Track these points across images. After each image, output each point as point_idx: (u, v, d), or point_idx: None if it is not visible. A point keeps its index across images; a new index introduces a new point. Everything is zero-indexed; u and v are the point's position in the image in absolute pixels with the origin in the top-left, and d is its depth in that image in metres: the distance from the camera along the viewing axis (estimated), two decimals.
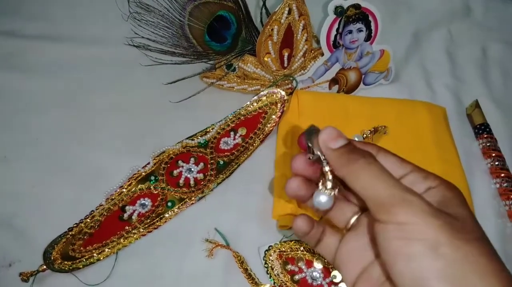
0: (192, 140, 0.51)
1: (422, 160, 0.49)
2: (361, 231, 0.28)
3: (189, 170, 0.49)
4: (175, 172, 0.49)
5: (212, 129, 0.52)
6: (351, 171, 0.25)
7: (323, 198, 0.27)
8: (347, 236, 0.29)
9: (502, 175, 0.51)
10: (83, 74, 0.59)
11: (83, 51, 0.61)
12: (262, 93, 0.54)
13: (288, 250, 0.44)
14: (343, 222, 0.30)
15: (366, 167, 0.24)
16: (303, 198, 0.29)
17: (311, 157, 0.28)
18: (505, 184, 0.50)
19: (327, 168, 0.27)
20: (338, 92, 0.57)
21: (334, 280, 0.42)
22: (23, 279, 0.40)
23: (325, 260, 0.43)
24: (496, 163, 0.52)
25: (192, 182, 0.48)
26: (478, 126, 0.56)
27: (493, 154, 0.53)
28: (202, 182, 0.48)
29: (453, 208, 0.24)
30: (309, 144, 0.28)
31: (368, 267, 0.27)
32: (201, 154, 0.50)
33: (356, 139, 0.50)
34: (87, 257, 0.42)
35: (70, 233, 0.44)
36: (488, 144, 0.54)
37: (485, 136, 0.54)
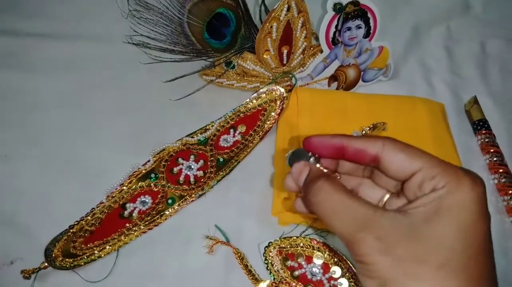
0: (192, 137, 0.52)
1: None
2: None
3: (189, 167, 0.49)
4: (175, 169, 0.49)
5: (212, 126, 0.53)
6: (314, 207, 0.26)
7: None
8: None
9: (501, 170, 0.51)
10: (83, 72, 0.59)
11: (83, 50, 0.62)
12: (261, 90, 0.54)
13: (288, 246, 0.44)
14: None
15: (326, 201, 0.25)
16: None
17: None
18: (503, 180, 0.51)
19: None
20: (337, 89, 0.57)
21: (333, 276, 0.42)
22: (25, 276, 0.40)
23: (325, 256, 0.43)
24: (495, 159, 0.52)
25: (192, 179, 0.48)
26: (476, 122, 0.56)
27: (492, 150, 0.53)
28: (202, 179, 0.49)
29: (445, 219, 0.22)
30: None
31: None
32: (201, 152, 0.51)
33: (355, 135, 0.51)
34: (88, 254, 0.43)
35: (71, 230, 0.44)
36: (486, 140, 0.54)
37: (483, 132, 0.55)
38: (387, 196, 0.29)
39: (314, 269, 0.43)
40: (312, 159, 0.29)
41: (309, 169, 0.28)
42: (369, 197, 0.29)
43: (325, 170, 0.29)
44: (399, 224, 0.23)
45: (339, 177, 0.32)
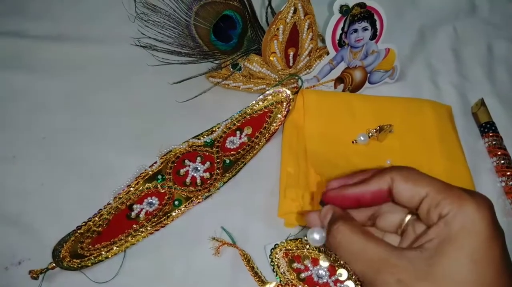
0: (198, 139, 0.52)
1: (427, 158, 0.50)
2: (411, 235, 0.28)
3: (196, 169, 0.49)
4: (182, 171, 0.49)
5: (218, 128, 0.53)
6: (334, 248, 0.27)
7: (317, 235, 0.29)
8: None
9: (508, 173, 0.51)
10: (89, 74, 0.59)
11: (89, 51, 0.62)
12: (267, 92, 0.54)
13: (294, 248, 0.44)
14: (392, 228, 0.30)
15: (344, 243, 0.26)
16: None
17: None
18: (510, 183, 0.50)
19: None
20: (343, 91, 0.57)
21: (340, 278, 0.42)
22: (32, 276, 0.41)
23: (331, 258, 0.43)
24: (502, 161, 0.52)
25: (198, 181, 0.49)
26: (483, 124, 0.56)
27: (499, 153, 0.53)
28: (209, 181, 0.49)
29: (456, 249, 0.22)
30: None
31: None
32: (207, 153, 0.51)
33: (362, 138, 0.51)
34: (95, 255, 0.43)
35: (78, 231, 0.44)
36: (493, 143, 0.54)
37: (490, 134, 0.54)
38: (408, 217, 0.29)
39: (321, 272, 0.43)
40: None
41: (332, 211, 0.29)
42: (390, 222, 0.30)
43: (346, 212, 0.29)
44: (417, 263, 0.23)
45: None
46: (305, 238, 0.30)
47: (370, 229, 0.31)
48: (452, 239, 0.23)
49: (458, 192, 0.24)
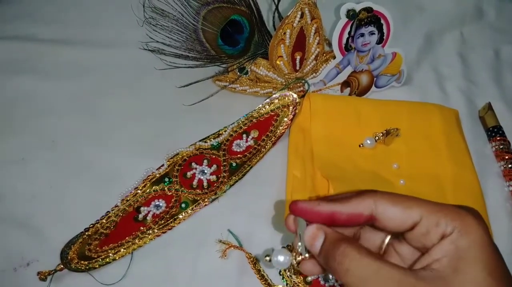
0: (205, 142, 0.52)
1: (434, 162, 0.50)
2: (394, 255, 0.28)
3: (202, 172, 0.50)
4: (189, 174, 0.49)
5: (225, 131, 0.53)
6: (340, 275, 0.24)
7: (281, 257, 0.27)
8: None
9: None
10: (97, 78, 0.60)
11: (98, 55, 0.63)
12: (274, 96, 0.54)
13: None
14: (374, 247, 0.29)
15: (354, 269, 0.24)
16: None
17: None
18: None
19: (300, 249, 0.27)
20: (350, 94, 0.57)
21: None
22: (41, 278, 0.41)
23: None
24: (509, 165, 0.52)
25: (205, 183, 0.49)
26: (491, 128, 0.55)
27: (506, 157, 0.52)
28: (215, 184, 0.49)
29: (472, 264, 0.22)
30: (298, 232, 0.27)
31: None
32: (214, 156, 0.51)
33: (369, 141, 0.51)
34: (103, 257, 0.43)
35: (86, 233, 0.44)
36: (501, 147, 0.53)
37: (498, 138, 0.54)
38: (387, 239, 0.28)
39: (328, 275, 0.43)
40: (295, 258, 0.27)
41: (324, 233, 0.26)
42: (371, 241, 0.29)
43: (341, 233, 0.27)
44: (434, 284, 0.23)
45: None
46: (267, 258, 0.28)
47: None
48: (464, 256, 0.22)
49: (453, 209, 0.24)
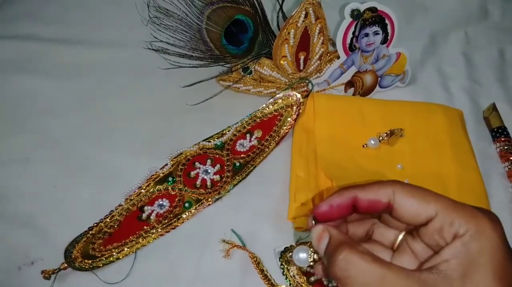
0: (209, 142, 0.52)
1: (438, 163, 0.50)
2: (407, 251, 0.27)
3: (206, 171, 0.50)
4: (192, 173, 0.49)
5: (228, 131, 0.53)
6: (342, 282, 0.24)
7: (303, 255, 0.28)
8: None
9: None
10: (101, 77, 0.60)
11: (101, 55, 0.63)
12: (278, 95, 0.54)
13: None
14: (388, 242, 0.29)
15: (357, 275, 0.23)
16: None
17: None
18: None
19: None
20: (353, 95, 0.57)
21: None
22: (45, 276, 0.41)
23: None
24: None
25: (209, 183, 0.49)
26: (495, 129, 0.55)
27: (511, 158, 0.52)
28: (219, 184, 0.49)
29: (481, 270, 0.22)
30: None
31: None
32: (217, 156, 0.51)
33: (372, 142, 0.50)
34: (107, 256, 0.43)
35: (90, 232, 0.45)
36: (505, 147, 0.53)
37: (502, 139, 0.54)
38: (401, 235, 0.28)
39: None
40: (313, 257, 0.28)
41: (328, 235, 0.26)
42: (385, 237, 0.29)
43: (346, 235, 0.27)
44: None
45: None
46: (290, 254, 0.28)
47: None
48: (473, 260, 0.22)
49: (470, 209, 0.24)
